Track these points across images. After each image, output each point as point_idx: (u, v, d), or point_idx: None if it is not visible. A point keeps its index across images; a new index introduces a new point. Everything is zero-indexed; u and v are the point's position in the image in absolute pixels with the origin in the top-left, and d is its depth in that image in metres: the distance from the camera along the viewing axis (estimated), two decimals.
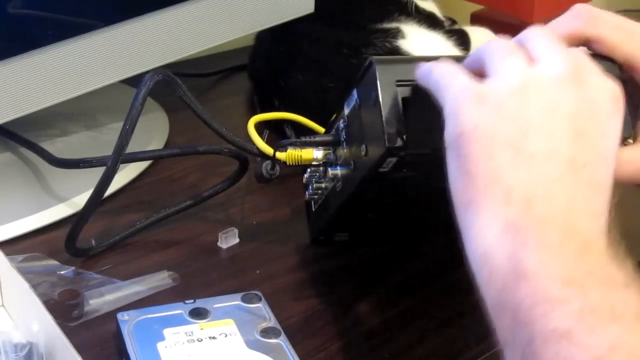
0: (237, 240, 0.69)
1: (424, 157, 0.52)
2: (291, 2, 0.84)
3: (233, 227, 0.69)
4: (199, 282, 0.64)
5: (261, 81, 0.91)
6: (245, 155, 0.70)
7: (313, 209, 0.66)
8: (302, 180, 0.64)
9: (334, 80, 0.81)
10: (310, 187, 0.63)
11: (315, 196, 0.64)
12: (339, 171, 0.59)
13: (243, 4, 0.81)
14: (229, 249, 0.68)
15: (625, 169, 0.49)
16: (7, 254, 0.59)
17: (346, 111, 0.58)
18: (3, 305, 0.60)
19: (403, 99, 0.51)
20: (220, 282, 0.64)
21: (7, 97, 0.67)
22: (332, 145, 0.60)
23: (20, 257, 0.63)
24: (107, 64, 0.73)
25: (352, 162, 0.57)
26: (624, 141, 0.51)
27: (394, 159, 0.52)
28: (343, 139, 0.59)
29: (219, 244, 0.68)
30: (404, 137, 0.51)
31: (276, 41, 0.88)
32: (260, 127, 0.71)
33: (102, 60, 0.72)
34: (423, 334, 0.59)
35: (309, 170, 0.63)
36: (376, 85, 0.51)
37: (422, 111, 0.50)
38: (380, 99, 0.51)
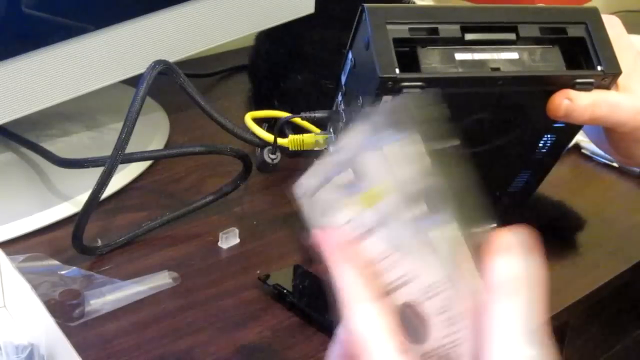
0: (237, 240, 0.69)
1: (421, 91, 0.53)
2: (291, 3, 0.85)
3: (233, 227, 0.69)
4: (199, 282, 0.64)
5: (261, 82, 0.91)
6: (248, 155, 0.70)
7: None
8: None
9: (334, 81, 0.81)
10: None
11: None
12: None
13: (243, 4, 0.81)
14: (229, 249, 0.68)
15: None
16: (8, 253, 0.59)
17: (343, 80, 0.59)
18: (5, 306, 0.60)
19: (394, 38, 0.53)
20: (220, 282, 0.64)
21: (8, 97, 0.67)
22: (332, 120, 0.61)
23: (21, 257, 0.63)
24: (107, 64, 0.73)
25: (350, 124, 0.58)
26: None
27: (389, 98, 0.53)
28: (342, 110, 0.59)
29: (219, 244, 0.68)
30: (396, 69, 0.52)
31: (276, 42, 0.88)
32: (258, 123, 0.72)
33: (102, 60, 0.72)
34: None
35: None
36: (367, 26, 0.53)
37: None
38: (371, 36, 0.52)
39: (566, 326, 0.68)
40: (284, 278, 0.63)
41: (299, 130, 0.76)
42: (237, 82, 0.99)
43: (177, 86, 0.67)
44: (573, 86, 0.55)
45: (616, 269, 0.67)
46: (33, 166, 0.76)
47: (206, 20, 0.79)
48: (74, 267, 0.64)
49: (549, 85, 0.56)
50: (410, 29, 0.54)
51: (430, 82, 0.53)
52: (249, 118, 0.69)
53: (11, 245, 0.67)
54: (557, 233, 0.72)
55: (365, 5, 0.54)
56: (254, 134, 0.68)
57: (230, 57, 1.02)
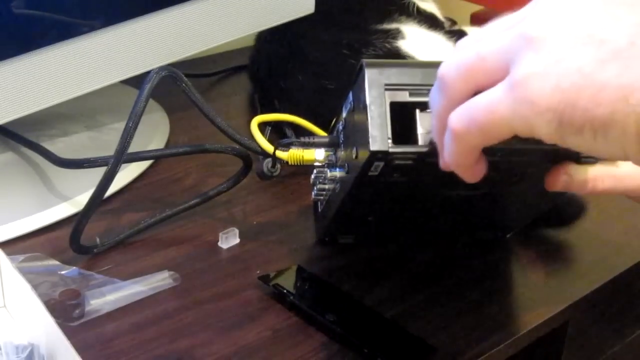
0: (237, 240, 0.69)
1: (413, 162, 0.51)
2: (292, 3, 0.85)
3: (234, 227, 0.69)
4: (199, 282, 0.64)
5: (261, 82, 0.91)
6: (249, 154, 0.70)
7: (319, 210, 0.66)
8: (304, 180, 0.64)
9: (334, 81, 0.81)
10: (315, 188, 0.63)
11: (320, 197, 0.64)
12: (337, 173, 0.59)
13: (244, 4, 0.81)
14: (229, 249, 0.68)
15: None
16: (8, 253, 0.60)
17: (344, 113, 0.57)
18: (5, 306, 0.60)
19: (391, 103, 0.50)
20: (220, 282, 0.64)
21: (8, 97, 0.67)
22: (330, 146, 0.60)
23: (21, 257, 0.63)
24: (107, 64, 0.73)
25: (346, 164, 0.57)
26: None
27: (381, 163, 0.51)
28: (341, 141, 0.59)
29: (219, 244, 0.68)
30: (389, 141, 0.50)
31: (276, 42, 0.88)
32: (261, 125, 0.72)
33: (102, 60, 0.72)
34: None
35: (315, 170, 0.63)
36: (364, 89, 0.51)
37: (411, 117, 0.50)
38: (368, 102, 0.50)
39: (566, 326, 0.68)
40: (284, 278, 0.63)
41: (301, 132, 0.76)
42: (237, 82, 1.00)
43: (176, 86, 0.67)
44: (577, 159, 0.52)
45: (617, 269, 0.67)
46: (33, 166, 0.76)
47: (206, 20, 0.79)
48: (74, 267, 0.64)
49: (551, 158, 0.53)
50: (410, 92, 0.51)
51: (423, 155, 0.50)
52: (254, 124, 0.69)
53: (11, 245, 0.67)
54: (559, 219, 0.71)
55: (364, 61, 0.51)
56: (255, 141, 0.68)
57: (230, 57, 1.02)
